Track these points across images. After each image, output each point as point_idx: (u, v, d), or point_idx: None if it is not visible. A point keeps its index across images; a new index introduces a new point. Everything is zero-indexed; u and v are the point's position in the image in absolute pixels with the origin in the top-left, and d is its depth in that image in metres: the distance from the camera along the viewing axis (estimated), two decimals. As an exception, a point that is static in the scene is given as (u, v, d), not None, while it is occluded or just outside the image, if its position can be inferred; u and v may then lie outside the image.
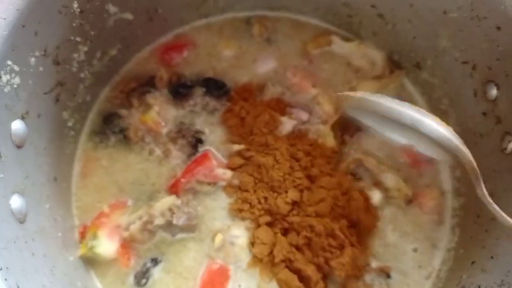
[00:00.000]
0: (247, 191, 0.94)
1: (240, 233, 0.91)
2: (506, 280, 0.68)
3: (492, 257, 0.75)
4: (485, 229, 0.81)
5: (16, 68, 0.71)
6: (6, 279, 0.61)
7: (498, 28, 0.76)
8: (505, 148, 0.79)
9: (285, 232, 0.91)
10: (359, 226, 0.92)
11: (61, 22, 0.81)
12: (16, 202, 0.71)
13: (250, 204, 0.92)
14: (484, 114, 0.85)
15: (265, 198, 0.92)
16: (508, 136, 0.79)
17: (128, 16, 0.95)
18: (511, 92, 0.78)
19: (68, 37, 0.84)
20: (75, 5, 0.81)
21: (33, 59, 0.75)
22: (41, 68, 0.78)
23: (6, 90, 0.70)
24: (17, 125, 0.73)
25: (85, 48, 0.90)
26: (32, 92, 0.77)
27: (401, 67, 1.04)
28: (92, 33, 0.90)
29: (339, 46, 1.06)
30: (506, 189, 0.78)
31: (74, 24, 0.84)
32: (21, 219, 0.71)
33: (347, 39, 1.07)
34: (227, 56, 1.06)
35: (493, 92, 0.82)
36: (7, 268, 0.62)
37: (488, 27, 0.78)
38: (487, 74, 0.82)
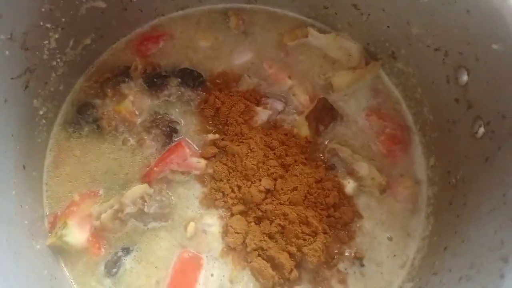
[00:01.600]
0: (220, 180, 0.93)
1: (212, 222, 0.90)
2: (475, 263, 0.67)
3: (463, 241, 0.74)
4: (457, 214, 0.80)
5: (-22, 49, 0.70)
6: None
7: (468, 11, 0.76)
8: (476, 132, 0.79)
9: (258, 220, 0.90)
10: (334, 216, 0.91)
11: (29, 6, 0.80)
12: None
13: (223, 193, 0.91)
14: (457, 100, 0.85)
15: (239, 187, 0.91)
16: (478, 120, 0.78)
17: (101, 4, 0.95)
18: (481, 76, 0.78)
19: (37, 23, 0.83)
20: (44, -11, 0.81)
21: (-2, 42, 0.74)
22: (7, 52, 0.78)
23: (-32, 71, 0.69)
24: (-21, 108, 0.72)
25: (56, 36, 0.89)
26: (-2, 76, 0.76)
27: (377, 58, 1.04)
28: (63, 20, 0.89)
29: (315, 38, 1.06)
30: (476, 174, 0.78)
31: (43, 9, 0.83)
32: (-19, 202, 0.70)
33: (323, 31, 1.07)
34: (204, 48, 1.06)
35: (464, 77, 0.82)
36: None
37: (458, 11, 0.78)
38: (459, 59, 0.82)
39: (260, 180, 0.91)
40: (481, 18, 0.75)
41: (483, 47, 0.75)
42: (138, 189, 0.90)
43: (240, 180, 0.91)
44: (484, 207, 0.72)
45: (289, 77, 1.04)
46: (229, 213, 0.91)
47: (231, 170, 0.93)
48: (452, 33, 0.81)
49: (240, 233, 0.89)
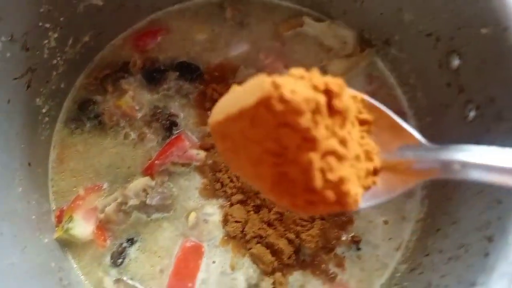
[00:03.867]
0: (219, 170, 0.95)
1: (213, 211, 0.93)
2: (464, 242, 0.69)
3: (454, 223, 0.76)
4: (449, 197, 0.82)
5: (-19, 53, 0.73)
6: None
7: (457, -4, 0.77)
8: (467, 116, 0.80)
9: (257, 209, 0.92)
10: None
11: (28, 7, 0.82)
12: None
13: (222, 183, 0.94)
14: (448, 84, 0.85)
15: (237, 177, 0.93)
16: (469, 104, 0.79)
17: (98, 2, 0.96)
18: (471, 60, 0.78)
19: (36, 23, 0.85)
20: (41, -10, 0.83)
21: (-1, 44, 0.77)
22: (8, 54, 0.80)
23: (-29, 74, 0.72)
24: (-16, 110, 0.75)
25: (56, 35, 0.91)
26: (0, 77, 0.79)
27: (372, 45, 1.04)
28: (62, 19, 0.91)
29: (311, 26, 1.07)
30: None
31: (42, 10, 0.85)
32: (-11, 201, 0.73)
33: (318, 20, 1.07)
34: (200, 40, 1.08)
35: (456, 62, 0.82)
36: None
37: (448, -4, 0.79)
38: (450, 44, 0.83)
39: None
40: (471, 2, 0.75)
41: (473, 31, 0.76)
42: (140, 182, 0.93)
43: (239, 170, 0.94)
44: (472, 189, 0.73)
45: (285, 67, 1.05)
46: (229, 203, 0.93)
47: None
48: (443, 18, 0.82)
49: (240, 221, 0.91)
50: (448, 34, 0.83)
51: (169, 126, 1.00)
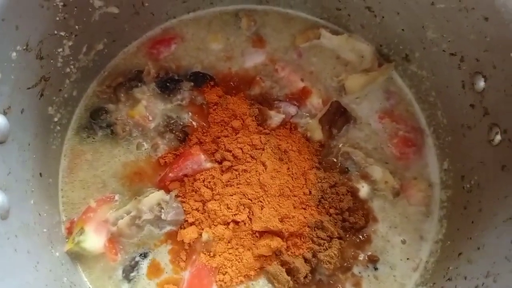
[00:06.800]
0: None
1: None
2: (492, 271, 0.68)
3: (478, 248, 0.75)
4: (471, 220, 0.81)
5: (-4, 62, 0.70)
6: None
7: (486, 19, 0.76)
8: (492, 140, 0.79)
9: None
10: (349, 220, 0.91)
11: (44, 16, 0.80)
12: (-2, 198, 0.70)
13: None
14: (472, 106, 0.84)
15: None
16: (495, 128, 0.78)
17: (114, 10, 0.94)
18: (498, 84, 0.77)
19: (51, 32, 0.83)
20: (58, -2, 0.81)
21: (14, 54, 0.74)
22: (23, 63, 0.78)
23: (-14, 85, 0.69)
24: (-2, 120, 0.72)
25: (70, 43, 0.89)
26: (14, 87, 0.77)
27: (390, 60, 1.03)
28: (77, 27, 0.89)
29: (327, 39, 1.05)
30: (491, 181, 0.78)
31: (58, 18, 0.83)
32: (3, 216, 0.70)
33: (336, 32, 1.06)
34: (215, 50, 1.06)
35: (481, 83, 0.81)
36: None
37: (475, 18, 0.77)
38: (475, 65, 0.82)
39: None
40: (499, 26, 0.74)
41: (501, 55, 0.75)
42: (155, 196, 0.91)
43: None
44: (500, 215, 0.72)
45: (302, 80, 1.04)
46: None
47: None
48: (469, 39, 0.81)
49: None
50: (474, 56, 0.82)
51: (183, 137, 0.98)
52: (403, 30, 0.95)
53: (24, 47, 0.77)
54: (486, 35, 0.77)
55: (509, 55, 0.73)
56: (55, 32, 0.84)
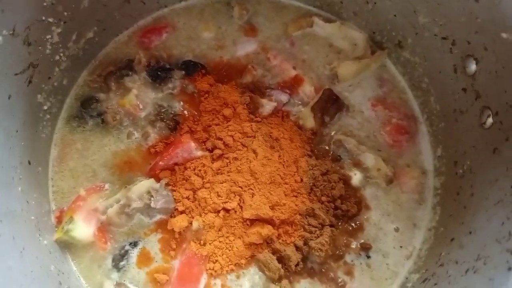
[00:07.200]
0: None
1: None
2: (482, 254, 0.67)
3: (470, 233, 0.74)
4: (464, 205, 0.80)
5: (-19, 46, 0.70)
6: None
7: (476, 0, 0.75)
8: (484, 123, 0.78)
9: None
10: (341, 208, 0.90)
11: (31, 1, 0.79)
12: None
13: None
14: (464, 90, 0.83)
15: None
16: (486, 111, 0.77)
17: (103, -4, 0.93)
18: (489, 66, 0.76)
19: (39, 17, 0.83)
20: (45, -17, 0.80)
21: (0, 38, 0.74)
22: (10, 48, 0.77)
23: (-30, 68, 0.69)
24: (-17, 105, 0.72)
25: (59, 30, 0.88)
26: (0, 72, 0.76)
27: (383, 47, 1.02)
28: (66, 14, 0.88)
29: (320, 27, 1.04)
30: (483, 164, 0.77)
31: (45, 4, 0.82)
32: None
33: (328, 20, 1.05)
34: (207, 39, 1.05)
35: (473, 66, 0.80)
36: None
37: None
38: (466, 48, 0.81)
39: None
40: (490, 7, 0.73)
41: (492, 36, 0.74)
42: (145, 184, 0.90)
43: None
44: (491, 198, 0.71)
45: (294, 68, 1.03)
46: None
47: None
48: (460, 22, 0.80)
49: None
50: (465, 38, 0.80)
51: (174, 125, 0.97)
52: (395, 15, 0.94)
53: (11, 32, 0.76)
54: (477, 17, 0.76)
55: (499, 36, 0.72)
56: (43, 18, 0.83)
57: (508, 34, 0.70)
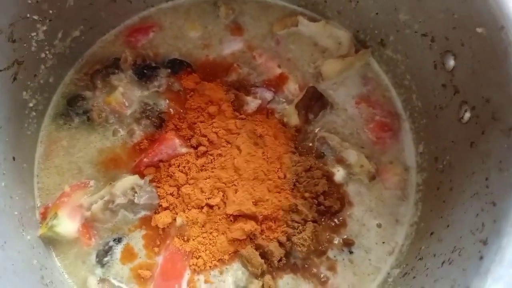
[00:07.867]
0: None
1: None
2: (458, 246, 0.67)
3: (448, 226, 0.74)
4: (443, 200, 0.80)
5: (-36, 42, 0.71)
6: None
7: (453, -4, 0.76)
8: (462, 118, 0.78)
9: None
10: (324, 204, 0.91)
11: (14, -2, 0.80)
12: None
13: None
14: (444, 86, 0.84)
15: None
16: (464, 105, 0.78)
17: (89, -5, 0.94)
18: (467, 61, 0.77)
19: (23, 15, 0.84)
20: (29, -19, 0.81)
21: (-17, 34, 0.75)
22: (-7, 44, 0.78)
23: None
24: (-34, 100, 0.73)
25: (44, 28, 0.89)
26: (-16, 68, 0.77)
27: (367, 46, 1.03)
28: (51, 12, 0.89)
29: (305, 26, 1.05)
30: (461, 159, 0.78)
31: (30, 1, 0.83)
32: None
33: (313, 19, 1.06)
34: (193, 38, 1.06)
35: (451, 62, 0.81)
36: None
37: (443, -4, 0.77)
38: (445, 44, 0.82)
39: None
40: (465, 2, 0.74)
41: (467, 31, 0.75)
42: (129, 180, 0.90)
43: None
44: (468, 191, 0.72)
45: (279, 66, 1.04)
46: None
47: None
48: (438, 18, 0.81)
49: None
50: (444, 34, 0.82)
51: (159, 123, 0.98)
52: (377, 13, 0.95)
53: (-6, 29, 0.78)
54: (454, 13, 0.77)
55: (475, 31, 0.73)
56: (28, 15, 0.84)
57: (482, 29, 0.71)
